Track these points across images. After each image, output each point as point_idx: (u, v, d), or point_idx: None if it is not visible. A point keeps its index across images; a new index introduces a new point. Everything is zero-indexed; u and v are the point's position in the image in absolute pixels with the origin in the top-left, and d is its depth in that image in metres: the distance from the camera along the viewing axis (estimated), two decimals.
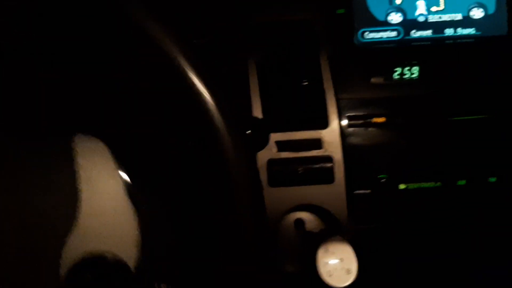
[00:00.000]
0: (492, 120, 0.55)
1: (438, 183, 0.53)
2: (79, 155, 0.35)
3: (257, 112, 0.53)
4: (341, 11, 0.57)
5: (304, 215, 0.55)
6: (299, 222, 0.54)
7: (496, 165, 0.54)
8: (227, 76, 0.52)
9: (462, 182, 0.53)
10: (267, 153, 0.52)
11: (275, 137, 0.53)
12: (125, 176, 0.36)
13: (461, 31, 0.61)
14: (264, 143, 0.49)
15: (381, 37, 0.60)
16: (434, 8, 0.60)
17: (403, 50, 0.58)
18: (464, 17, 0.61)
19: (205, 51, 0.50)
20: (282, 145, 0.53)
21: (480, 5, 0.61)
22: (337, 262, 0.45)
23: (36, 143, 0.35)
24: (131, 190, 0.36)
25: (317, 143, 0.53)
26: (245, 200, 0.33)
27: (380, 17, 0.60)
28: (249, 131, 0.44)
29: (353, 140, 0.54)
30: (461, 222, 0.54)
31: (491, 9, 0.61)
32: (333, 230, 0.52)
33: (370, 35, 0.60)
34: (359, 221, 0.54)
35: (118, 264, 0.35)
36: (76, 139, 0.36)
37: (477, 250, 0.54)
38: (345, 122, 0.54)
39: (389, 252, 0.55)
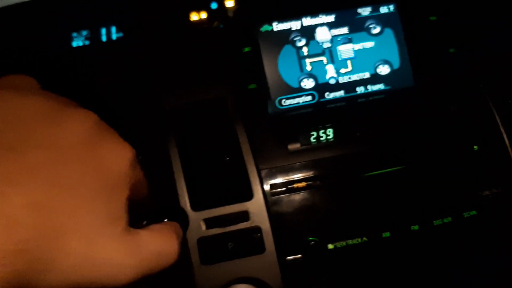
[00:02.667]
0: (408, 170, 0.58)
1: (364, 238, 0.55)
2: None
3: (182, 193, 0.54)
4: (252, 86, 0.61)
5: (243, 287, 0.56)
6: None
7: (416, 213, 0.56)
8: (149, 162, 0.54)
9: (386, 234, 0.55)
10: (196, 232, 0.54)
11: (203, 215, 0.54)
12: None
13: (371, 87, 0.65)
14: (185, 226, 0.50)
15: (297, 103, 0.63)
16: (343, 70, 0.65)
17: (317, 114, 0.61)
18: (372, 74, 0.65)
19: None
20: (210, 222, 0.54)
21: (385, 62, 0.66)
22: None
23: None
24: None
25: (244, 216, 0.54)
26: None
27: (293, 84, 0.63)
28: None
29: (279, 207, 0.56)
30: (391, 274, 0.56)
31: (396, 65, 0.66)
32: None
33: (287, 102, 0.63)
34: (294, 286, 0.54)
35: None
36: None
37: None
38: (268, 191, 0.56)
39: None
